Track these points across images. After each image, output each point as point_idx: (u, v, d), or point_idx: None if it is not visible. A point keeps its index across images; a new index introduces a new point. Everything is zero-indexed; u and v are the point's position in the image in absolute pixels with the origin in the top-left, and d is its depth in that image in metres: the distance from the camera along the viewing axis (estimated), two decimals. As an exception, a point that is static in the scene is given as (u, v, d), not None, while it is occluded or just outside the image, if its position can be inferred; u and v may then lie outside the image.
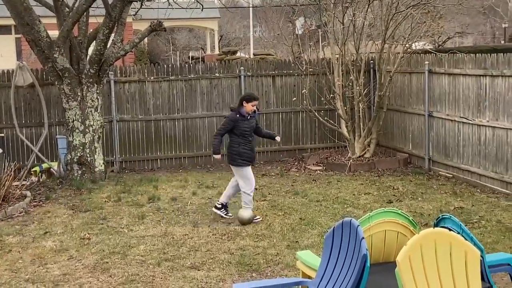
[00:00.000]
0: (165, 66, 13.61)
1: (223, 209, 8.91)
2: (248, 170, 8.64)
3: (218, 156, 8.82)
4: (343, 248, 4.65)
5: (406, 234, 5.03)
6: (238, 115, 8.58)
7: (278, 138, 9.22)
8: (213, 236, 8.01)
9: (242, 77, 13.36)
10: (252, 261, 6.97)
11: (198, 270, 6.73)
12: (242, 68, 13.44)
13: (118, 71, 12.99)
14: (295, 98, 13.58)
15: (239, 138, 8.57)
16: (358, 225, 4.50)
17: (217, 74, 13.43)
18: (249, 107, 8.57)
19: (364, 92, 12.70)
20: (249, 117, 8.62)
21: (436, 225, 4.99)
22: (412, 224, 5.10)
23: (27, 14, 10.59)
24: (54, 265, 7.05)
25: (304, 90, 13.18)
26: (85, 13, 11.38)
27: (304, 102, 13.12)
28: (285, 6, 15.88)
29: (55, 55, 11.00)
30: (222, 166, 13.19)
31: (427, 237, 4.23)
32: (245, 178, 8.59)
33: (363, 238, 4.38)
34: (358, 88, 12.58)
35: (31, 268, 6.94)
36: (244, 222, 8.48)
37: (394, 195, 10.02)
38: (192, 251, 7.38)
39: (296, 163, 13.03)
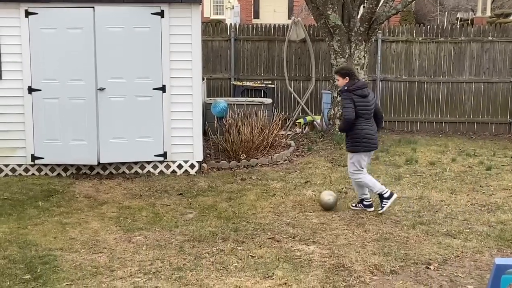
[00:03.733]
0: (435, 27, 13.22)
1: None
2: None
3: None
4: None
5: None
6: None
7: None
8: (471, 206, 7.73)
9: (519, 42, 12.46)
10: (514, 238, 6.61)
11: (454, 238, 6.57)
12: (519, 32, 12.52)
13: (386, 31, 12.98)
14: None
15: None
16: None
17: (490, 38, 12.69)
18: None
19: None
20: None
21: None
22: None
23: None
24: (313, 213, 7.42)
25: None
26: (360, -29, 11.54)
27: None
28: None
29: (328, 12, 11.35)
30: (485, 134, 12.59)
31: None
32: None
33: None
34: None
35: (291, 213, 7.41)
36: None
37: None
38: (448, 219, 7.22)
39: None
